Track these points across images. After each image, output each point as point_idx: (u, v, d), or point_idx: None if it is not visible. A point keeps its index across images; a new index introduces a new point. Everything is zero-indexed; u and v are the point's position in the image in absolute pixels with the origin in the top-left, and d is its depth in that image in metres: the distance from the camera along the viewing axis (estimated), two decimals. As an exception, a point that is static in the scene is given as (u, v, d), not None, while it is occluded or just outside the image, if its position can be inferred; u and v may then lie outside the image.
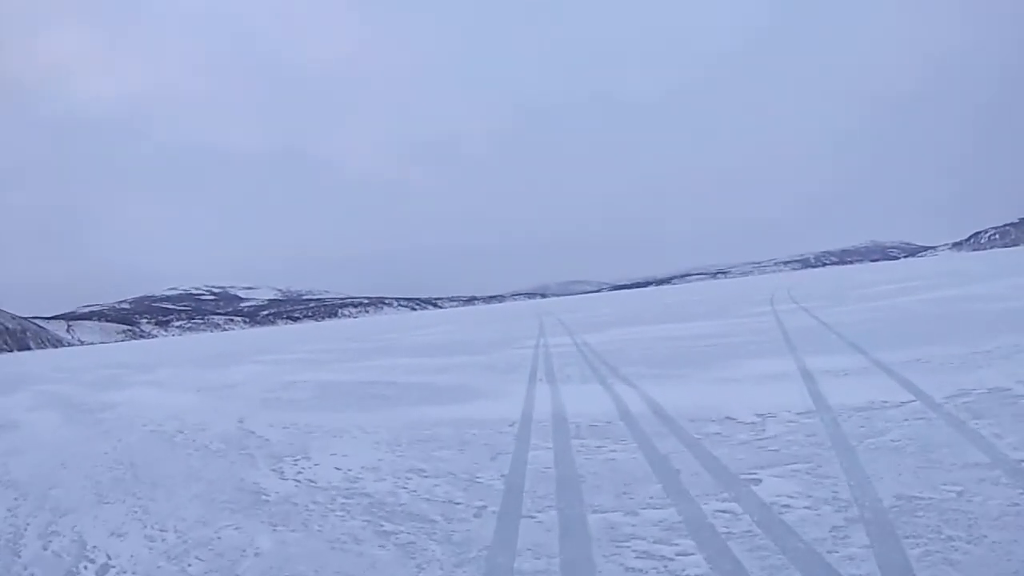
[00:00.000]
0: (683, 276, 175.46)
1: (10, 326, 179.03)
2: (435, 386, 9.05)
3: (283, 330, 51.55)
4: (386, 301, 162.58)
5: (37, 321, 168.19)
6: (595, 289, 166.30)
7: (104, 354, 28.56)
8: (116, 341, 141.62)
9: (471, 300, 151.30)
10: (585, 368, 9.38)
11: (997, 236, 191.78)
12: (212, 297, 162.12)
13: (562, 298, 66.86)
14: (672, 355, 9.90)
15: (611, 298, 48.90)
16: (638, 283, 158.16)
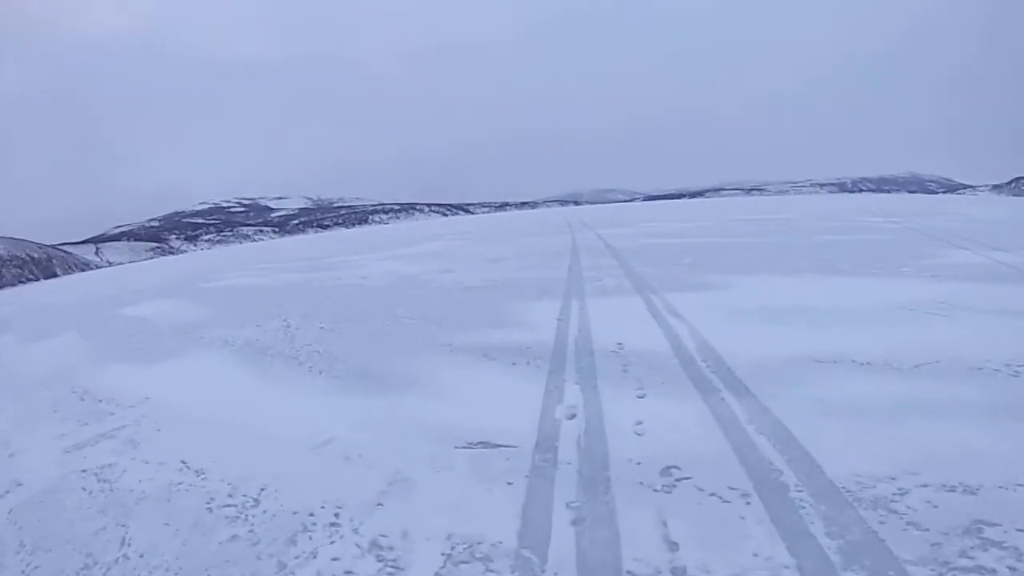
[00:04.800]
0: (716, 190, 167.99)
1: (36, 255, 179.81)
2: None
3: (281, 243, 45.54)
4: (417, 207, 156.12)
5: (65, 247, 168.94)
6: (628, 199, 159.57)
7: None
8: (143, 260, 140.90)
9: (503, 206, 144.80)
10: None
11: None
12: (242, 209, 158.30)
13: (596, 206, 61.00)
14: None
15: (654, 209, 38.97)
16: (671, 195, 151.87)
